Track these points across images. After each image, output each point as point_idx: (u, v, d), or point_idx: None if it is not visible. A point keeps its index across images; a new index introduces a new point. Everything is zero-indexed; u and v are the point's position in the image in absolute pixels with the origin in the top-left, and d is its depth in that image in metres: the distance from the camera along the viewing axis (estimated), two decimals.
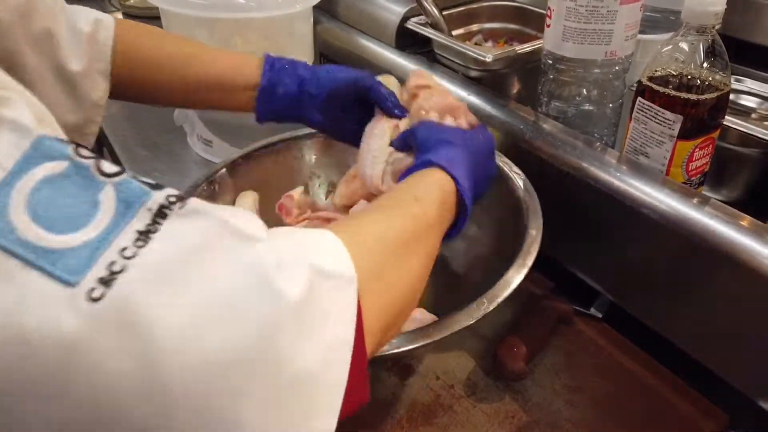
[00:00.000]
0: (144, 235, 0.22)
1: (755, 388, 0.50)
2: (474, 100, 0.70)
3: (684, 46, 0.54)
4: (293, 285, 0.24)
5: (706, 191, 0.63)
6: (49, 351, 0.20)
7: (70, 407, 0.21)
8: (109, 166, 0.24)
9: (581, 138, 0.61)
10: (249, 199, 0.63)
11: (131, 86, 0.57)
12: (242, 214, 0.26)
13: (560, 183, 0.61)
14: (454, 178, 0.43)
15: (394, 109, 0.55)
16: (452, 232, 0.44)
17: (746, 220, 0.49)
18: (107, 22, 0.55)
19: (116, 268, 0.21)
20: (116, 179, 0.23)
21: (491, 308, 0.45)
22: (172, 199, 0.24)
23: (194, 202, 0.24)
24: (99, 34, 0.53)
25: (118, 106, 0.85)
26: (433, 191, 0.41)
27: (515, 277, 0.48)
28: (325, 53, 0.94)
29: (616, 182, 0.56)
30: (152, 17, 1.44)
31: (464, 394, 0.54)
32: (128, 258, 0.21)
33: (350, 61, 0.88)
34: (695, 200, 0.52)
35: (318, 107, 0.58)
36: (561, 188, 0.61)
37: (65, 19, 0.51)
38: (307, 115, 0.58)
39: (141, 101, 0.61)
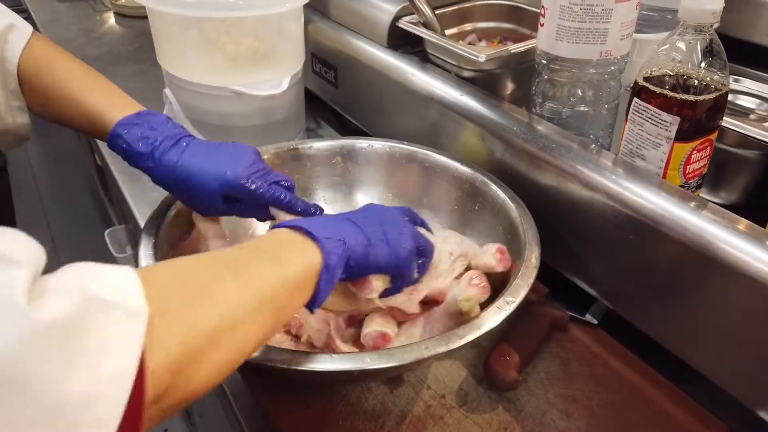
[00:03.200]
0: None
1: (754, 398, 0.48)
2: (467, 100, 0.68)
3: (681, 45, 0.53)
4: (50, 309, 0.23)
5: (703, 194, 0.62)
6: None
7: None
8: None
9: (576, 140, 0.60)
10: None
11: (38, 106, 0.58)
12: (13, 239, 0.25)
13: (555, 186, 0.59)
14: (303, 228, 0.41)
15: (295, 207, 0.52)
16: (324, 274, 0.40)
17: (745, 225, 0.48)
18: (23, 27, 0.56)
19: None
20: None
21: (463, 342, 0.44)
22: None
23: None
24: (9, 36, 0.55)
25: None
26: (266, 241, 0.41)
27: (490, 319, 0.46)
28: (316, 53, 0.93)
29: (612, 185, 0.54)
30: (144, 17, 1.42)
31: (455, 404, 0.52)
32: None
33: (342, 61, 0.87)
34: (693, 204, 0.50)
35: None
36: (555, 192, 0.59)
37: None
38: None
39: (44, 118, 0.60)
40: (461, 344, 0.44)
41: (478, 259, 0.55)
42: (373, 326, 0.50)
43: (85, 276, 0.26)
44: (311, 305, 0.41)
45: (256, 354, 0.42)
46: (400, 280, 0.48)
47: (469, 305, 0.48)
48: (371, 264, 0.44)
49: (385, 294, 0.48)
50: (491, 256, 0.54)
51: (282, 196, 0.52)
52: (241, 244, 0.40)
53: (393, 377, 0.54)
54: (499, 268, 0.54)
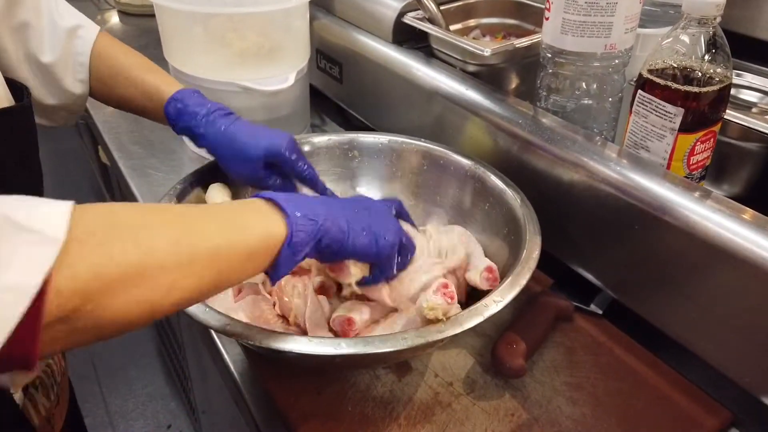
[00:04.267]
0: None
1: (759, 385, 0.49)
2: (472, 94, 0.69)
3: (685, 38, 0.53)
4: None
5: (707, 186, 0.63)
6: None
7: None
8: None
9: (581, 132, 0.61)
10: (219, 192, 0.62)
11: (101, 88, 0.65)
12: None
13: (560, 178, 0.60)
14: (275, 201, 0.41)
15: (321, 187, 0.59)
16: (284, 249, 0.40)
17: (749, 214, 0.48)
18: (91, 26, 0.63)
19: None
20: None
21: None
22: None
23: None
24: (79, 32, 0.62)
25: None
26: (234, 205, 0.42)
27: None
28: (321, 49, 0.94)
29: (617, 176, 0.55)
30: (148, 15, 1.43)
31: (463, 391, 0.53)
32: None
33: (347, 57, 0.88)
34: (697, 194, 0.51)
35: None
36: (560, 184, 0.60)
37: (47, 15, 0.59)
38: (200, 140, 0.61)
39: (109, 103, 0.67)
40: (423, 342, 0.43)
41: (467, 273, 0.55)
42: (341, 311, 0.51)
43: (18, 205, 0.28)
44: (271, 278, 0.41)
45: (216, 323, 0.43)
46: (379, 271, 0.49)
47: (434, 314, 0.46)
48: (348, 249, 0.44)
49: (363, 282, 0.49)
50: (479, 275, 0.54)
51: (313, 173, 0.59)
52: (213, 205, 0.40)
53: (401, 364, 0.55)
54: (485, 287, 0.53)
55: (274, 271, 0.41)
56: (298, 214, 0.41)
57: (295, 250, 0.41)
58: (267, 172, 0.59)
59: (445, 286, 0.49)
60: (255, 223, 0.40)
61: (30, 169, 0.50)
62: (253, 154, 0.57)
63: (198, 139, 0.61)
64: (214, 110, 0.60)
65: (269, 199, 0.42)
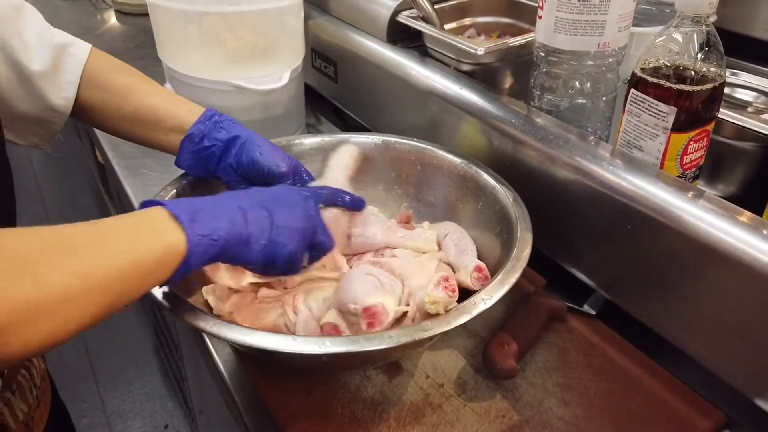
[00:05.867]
0: None
1: (752, 387, 0.48)
2: (466, 94, 0.69)
3: (678, 36, 0.53)
4: None
5: (700, 186, 0.62)
6: None
7: None
8: None
9: (574, 132, 0.60)
10: (346, 154, 0.61)
11: (89, 108, 0.60)
12: None
13: (553, 178, 0.59)
14: (176, 216, 0.40)
15: (351, 204, 0.54)
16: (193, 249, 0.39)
17: (743, 215, 0.48)
18: (83, 45, 0.59)
19: None
20: None
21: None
22: None
23: None
24: (71, 50, 0.58)
25: None
26: (134, 218, 0.39)
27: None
28: (316, 48, 0.93)
29: (610, 176, 0.55)
30: (145, 14, 1.43)
31: (454, 392, 0.52)
32: None
33: (342, 56, 0.87)
34: (690, 194, 0.51)
35: (236, 173, 0.57)
36: (553, 183, 0.59)
37: (35, 30, 0.56)
38: (223, 176, 0.58)
39: (93, 125, 0.62)
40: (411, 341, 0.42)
41: (457, 275, 0.54)
42: (329, 318, 0.50)
43: None
44: (160, 285, 0.40)
45: (202, 325, 0.43)
46: (274, 272, 0.47)
47: (436, 308, 0.46)
48: (241, 261, 0.44)
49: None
50: (468, 274, 0.53)
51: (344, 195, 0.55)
52: (108, 218, 0.39)
53: (391, 365, 0.54)
54: (476, 287, 0.52)
55: (163, 283, 0.40)
56: (199, 235, 0.40)
57: (189, 268, 0.40)
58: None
59: (446, 279, 0.49)
60: (154, 241, 0.38)
61: None
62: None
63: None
64: (227, 146, 0.57)
65: (170, 212, 0.40)
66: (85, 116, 0.61)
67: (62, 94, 0.58)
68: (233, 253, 0.43)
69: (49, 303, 0.32)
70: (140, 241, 0.38)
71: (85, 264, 0.34)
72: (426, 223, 0.65)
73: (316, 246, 0.48)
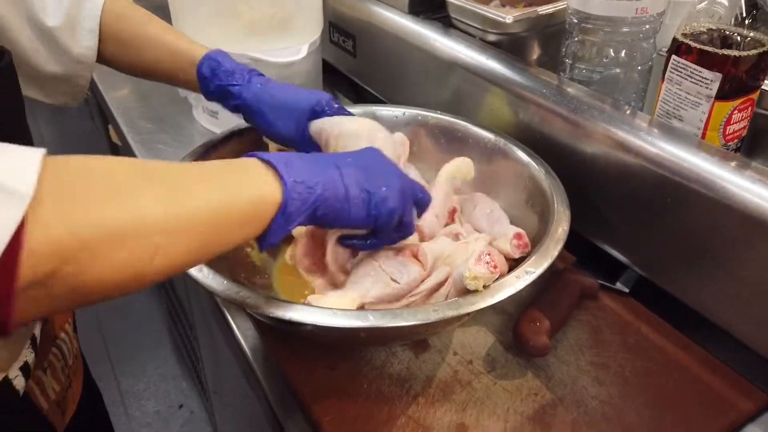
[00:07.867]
0: None
1: None
2: (493, 64, 0.66)
3: (723, 0, 0.50)
4: None
5: None
6: None
7: None
8: None
9: (608, 101, 0.58)
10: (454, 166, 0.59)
11: (115, 54, 0.61)
12: None
13: (586, 150, 0.57)
14: (272, 164, 0.38)
15: None
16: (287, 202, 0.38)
17: None
18: None
19: None
20: None
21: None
22: None
23: None
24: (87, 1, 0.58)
25: (122, 80, 0.83)
26: (231, 165, 0.38)
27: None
28: (334, 22, 0.91)
29: (648, 147, 0.52)
30: None
31: (483, 370, 0.51)
32: None
33: (361, 29, 0.85)
34: (734, 163, 0.48)
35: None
36: (586, 156, 0.57)
37: None
38: (243, 93, 0.57)
39: (125, 68, 0.63)
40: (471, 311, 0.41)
41: (495, 243, 0.53)
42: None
43: None
44: (260, 245, 0.39)
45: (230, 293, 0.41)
46: (376, 239, 0.46)
47: (476, 284, 0.44)
48: (344, 220, 0.42)
49: (359, 247, 0.48)
50: (508, 242, 0.51)
51: None
52: (205, 162, 0.37)
53: (417, 341, 0.53)
54: (517, 255, 0.51)
55: (263, 239, 0.38)
56: (295, 181, 0.38)
57: (288, 219, 0.38)
58: (308, 135, 0.56)
59: (488, 254, 0.47)
60: (248, 186, 0.37)
61: (16, 134, 0.47)
62: (299, 106, 0.55)
63: (235, 98, 0.57)
64: (249, 69, 0.58)
65: (265, 161, 0.38)
66: (110, 63, 0.62)
67: (84, 43, 0.58)
68: (333, 211, 0.40)
69: (135, 230, 0.30)
70: (235, 182, 0.36)
71: (176, 195, 0.32)
72: (468, 225, 0.60)
73: (417, 202, 0.47)
